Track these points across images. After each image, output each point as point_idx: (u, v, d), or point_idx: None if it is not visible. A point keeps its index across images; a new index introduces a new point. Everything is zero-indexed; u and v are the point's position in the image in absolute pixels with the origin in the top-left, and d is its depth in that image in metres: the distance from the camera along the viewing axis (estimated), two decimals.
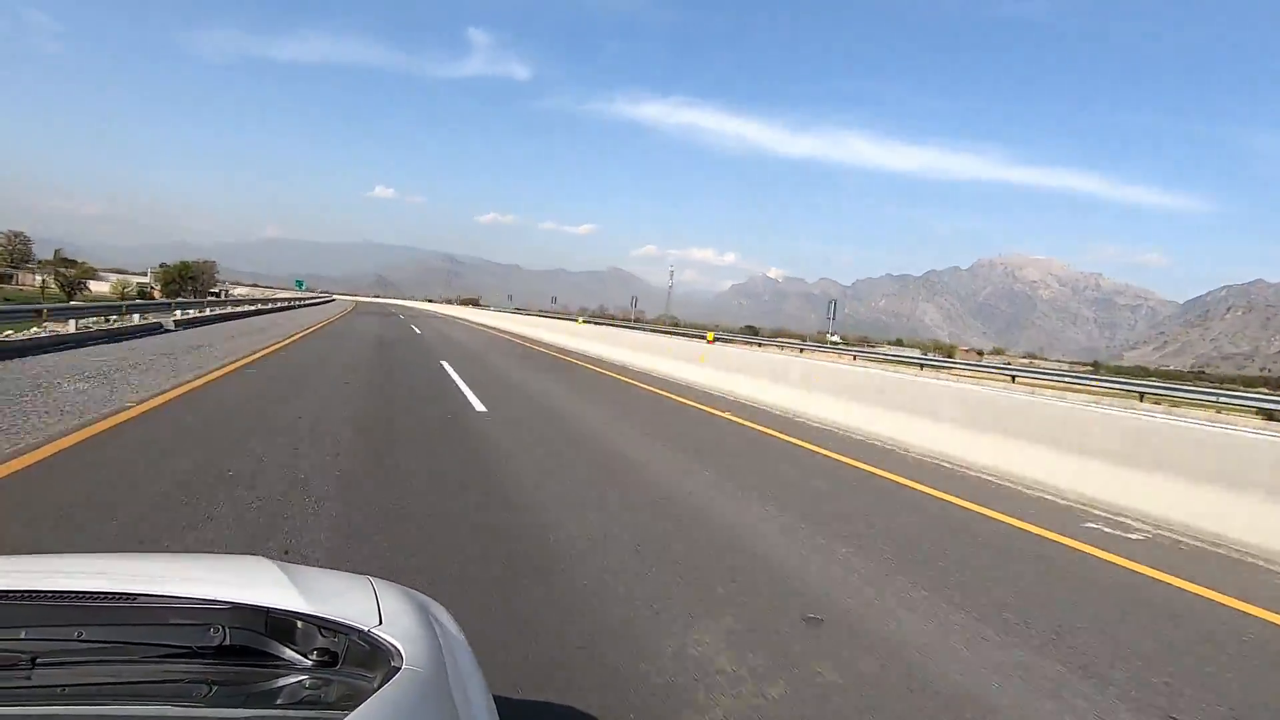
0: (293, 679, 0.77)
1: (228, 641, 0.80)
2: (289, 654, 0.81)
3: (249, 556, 1.14)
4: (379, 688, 0.69)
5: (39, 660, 0.74)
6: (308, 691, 0.76)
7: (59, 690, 0.71)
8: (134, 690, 0.73)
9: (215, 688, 0.75)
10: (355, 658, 0.79)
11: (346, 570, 1.16)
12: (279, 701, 0.74)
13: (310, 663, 0.80)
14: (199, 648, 0.79)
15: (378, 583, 0.99)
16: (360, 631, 0.81)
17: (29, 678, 0.72)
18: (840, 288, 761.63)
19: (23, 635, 0.77)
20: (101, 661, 0.77)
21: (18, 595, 0.79)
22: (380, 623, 0.83)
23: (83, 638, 0.78)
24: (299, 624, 0.82)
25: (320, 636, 0.81)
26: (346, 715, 0.62)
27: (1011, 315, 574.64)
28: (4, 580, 0.81)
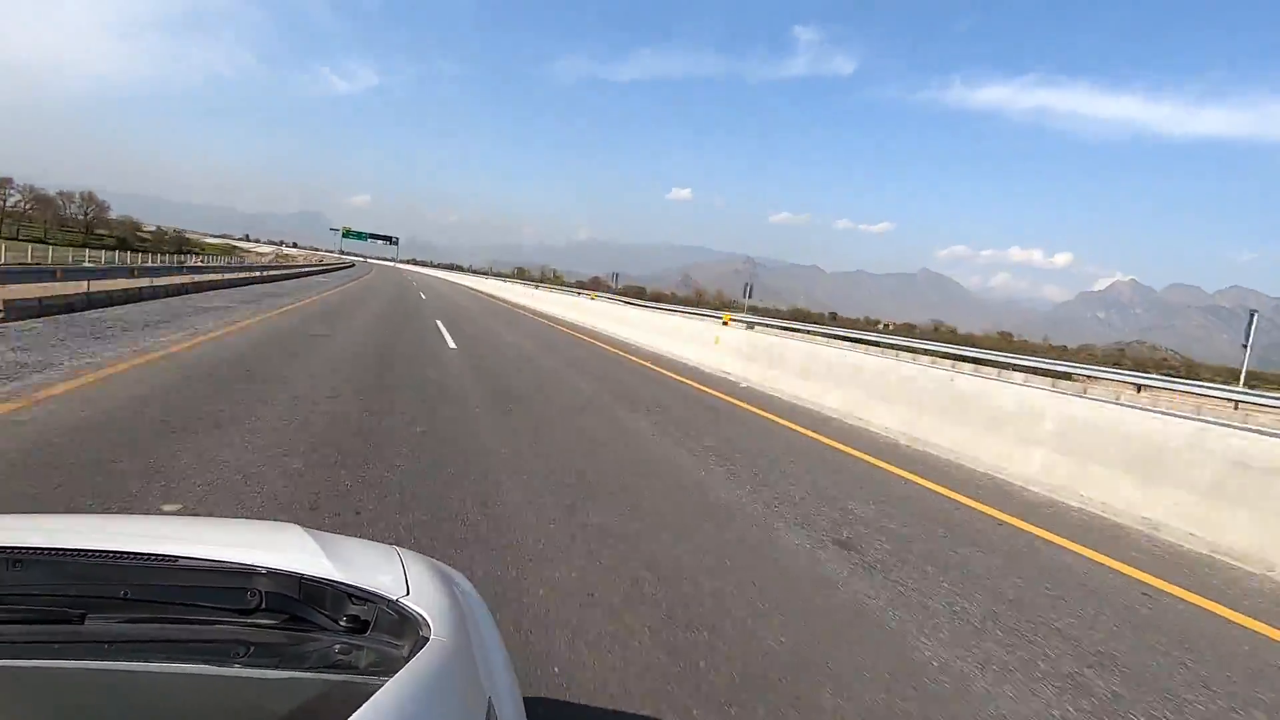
0: (325, 643, 0.82)
1: (264, 605, 0.85)
2: (321, 619, 0.85)
3: (281, 523, 1.18)
4: (409, 657, 0.73)
5: (88, 616, 0.80)
6: (339, 656, 0.80)
7: (106, 645, 0.77)
8: (177, 647, 0.80)
9: (253, 647, 0.80)
10: (385, 626, 0.83)
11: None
12: (312, 664, 0.79)
13: (341, 628, 0.84)
14: (237, 609, 0.84)
15: (404, 553, 1.03)
16: (389, 601, 0.85)
17: (78, 632, 0.79)
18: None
19: (74, 591, 0.83)
20: (146, 619, 0.82)
21: (71, 553, 0.84)
22: (408, 593, 0.88)
23: (128, 595, 0.83)
24: (330, 591, 0.86)
25: (351, 604, 0.85)
26: (378, 679, 0.67)
27: None
28: (58, 538, 0.88)
